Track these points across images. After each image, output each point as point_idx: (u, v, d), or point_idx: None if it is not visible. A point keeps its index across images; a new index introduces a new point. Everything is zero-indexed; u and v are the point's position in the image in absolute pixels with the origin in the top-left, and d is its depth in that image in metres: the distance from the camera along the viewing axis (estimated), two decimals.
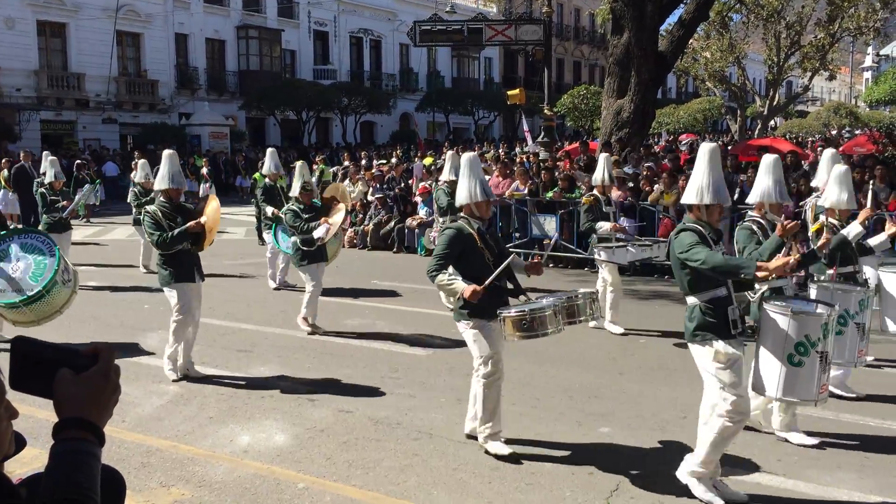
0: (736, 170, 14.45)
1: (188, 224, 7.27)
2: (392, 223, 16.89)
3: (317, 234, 9.30)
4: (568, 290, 6.11)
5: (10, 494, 1.47)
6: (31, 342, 1.52)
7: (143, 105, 36.90)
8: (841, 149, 26.85)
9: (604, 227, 9.43)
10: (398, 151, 31.03)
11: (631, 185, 13.88)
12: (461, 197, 5.74)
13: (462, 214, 5.81)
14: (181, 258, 7.36)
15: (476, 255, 5.62)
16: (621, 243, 9.49)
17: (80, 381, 1.47)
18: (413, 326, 9.71)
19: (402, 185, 18.77)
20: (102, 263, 14.53)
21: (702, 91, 46.01)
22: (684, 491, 5.05)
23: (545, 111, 23.14)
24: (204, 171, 25.72)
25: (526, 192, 14.79)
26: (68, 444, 1.44)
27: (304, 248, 9.36)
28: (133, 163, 18.16)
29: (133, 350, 8.54)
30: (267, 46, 41.98)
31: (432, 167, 19.35)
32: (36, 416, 5.12)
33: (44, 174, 12.61)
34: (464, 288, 5.39)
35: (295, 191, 9.69)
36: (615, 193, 13.73)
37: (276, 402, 6.89)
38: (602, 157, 10.20)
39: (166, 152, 7.72)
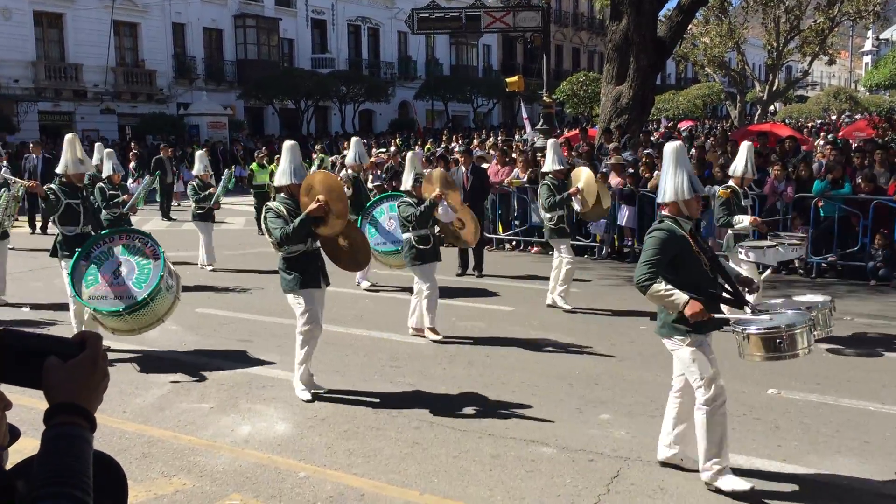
0: (735, 156, 14.39)
1: (310, 207, 6.38)
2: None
3: (441, 213, 8.49)
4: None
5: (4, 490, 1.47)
6: (16, 334, 1.51)
7: (141, 95, 36.82)
8: (841, 133, 26.81)
9: (742, 222, 8.40)
10: (397, 140, 30.99)
11: (631, 171, 13.86)
12: (667, 194, 4.94)
13: (667, 213, 4.99)
14: (306, 262, 6.65)
15: (692, 260, 4.86)
16: (771, 242, 8.40)
17: (69, 367, 1.48)
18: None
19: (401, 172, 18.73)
20: None
21: (701, 77, 45.85)
22: (684, 477, 5.06)
23: (544, 98, 23.09)
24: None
25: (525, 179, 14.76)
26: (60, 429, 1.45)
27: (420, 247, 8.50)
28: (186, 154, 18.02)
29: (133, 341, 8.53)
30: (265, 35, 41.84)
31: (431, 155, 19.31)
32: (38, 407, 5.12)
33: (98, 166, 11.98)
34: (686, 302, 4.65)
35: (407, 183, 8.68)
36: (614, 181, 13.72)
37: (277, 391, 6.90)
38: (744, 147, 9.02)
39: (287, 143, 6.89)
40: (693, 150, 15.92)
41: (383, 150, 23.96)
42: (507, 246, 15.32)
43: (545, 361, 7.77)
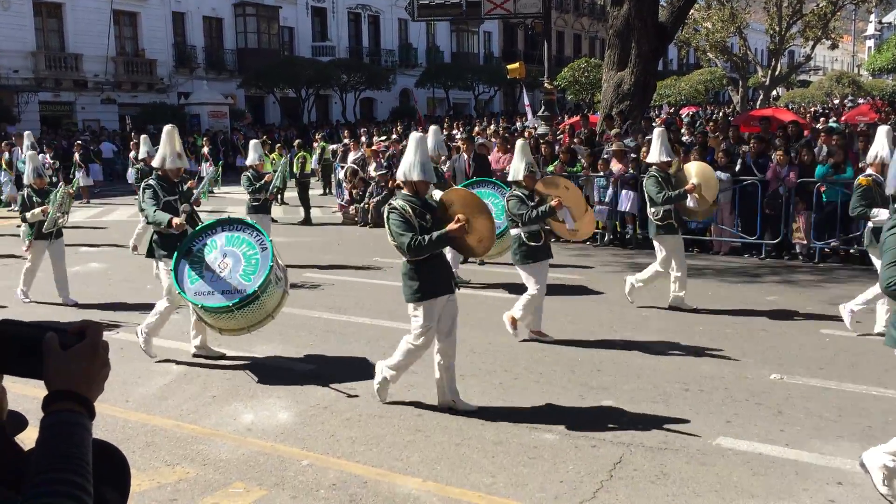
0: (738, 141, 14.36)
1: (450, 227, 5.73)
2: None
3: (566, 220, 7.81)
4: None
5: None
6: (14, 323, 1.51)
7: (141, 85, 36.77)
8: (843, 118, 26.74)
9: (879, 214, 7.48)
10: (398, 128, 30.91)
11: (633, 157, 13.82)
12: (890, 184, 4.47)
13: None
14: (436, 266, 5.94)
15: None
16: None
17: (69, 355, 1.48)
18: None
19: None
20: (99, 243, 14.55)
21: (703, 62, 45.62)
22: (687, 463, 5.06)
23: (545, 85, 23.01)
24: (205, 150, 25.66)
25: None
26: (59, 415, 1.45)
27: (531, 244, 7.77)
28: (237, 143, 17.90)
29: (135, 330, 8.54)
30: (265, 24, 41.74)
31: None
32: (41, 396, 5.13)
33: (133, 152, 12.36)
34: None
35: (519, 173, 7.90)
36: (616, 167, 13.68)
37: (279, 379, 6.91)
38: (882, 130, 8.14)
39: (415, 135, 6.28)
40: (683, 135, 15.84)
41: (384, 137, 23.89)
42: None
43: (547, 348, 7.76)
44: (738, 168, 12.76)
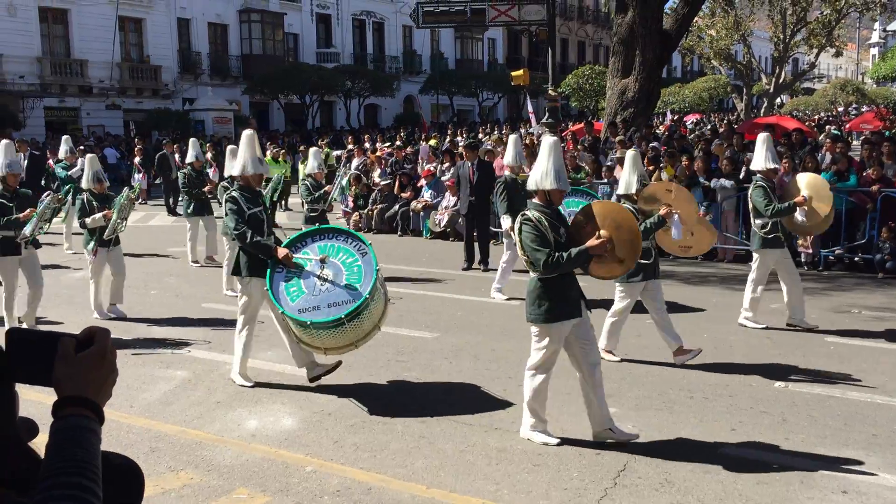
0: (742, 148, 14.37)
1: (591, 243, 5.29)
2: (397, 206, 16.86)
3: (673, 229, 7.01)
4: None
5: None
6: (24, 331, 1.52)
7: (146, 91, 36.88)
8: (848, 126, 26.71)
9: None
10: (402, 134, 30.96)
11: None
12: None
13: None
14: (568, 285, 5.44)
15: None
16: None
17: (78, 360, 1.50)
18: (419, 309, 9.71)
19: (409, 166, 18.71)
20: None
21: (707, 69, 45.72)
22: (691, 471, 5.05)
23: (549, 92, 23.01)
24: (209, 155, 25.69)
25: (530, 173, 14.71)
26: (68, 420, 1.47)
27: (641, 261, 7.13)
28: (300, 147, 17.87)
29: (140, 336, 8.55)
30: (270, 30, 41.85)
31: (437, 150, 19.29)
32: (49, 403, 5.14)
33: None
34: None
35: (631, 186, 7.29)
36: (620, 174, 13.68)
37: (284, 386, 6.91)
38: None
39: (548, 140, 5.75)
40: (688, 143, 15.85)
41: (388, 143, 23.93)
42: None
43: None
44: (742, 176, 12.75)
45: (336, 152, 24.17)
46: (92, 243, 9.05)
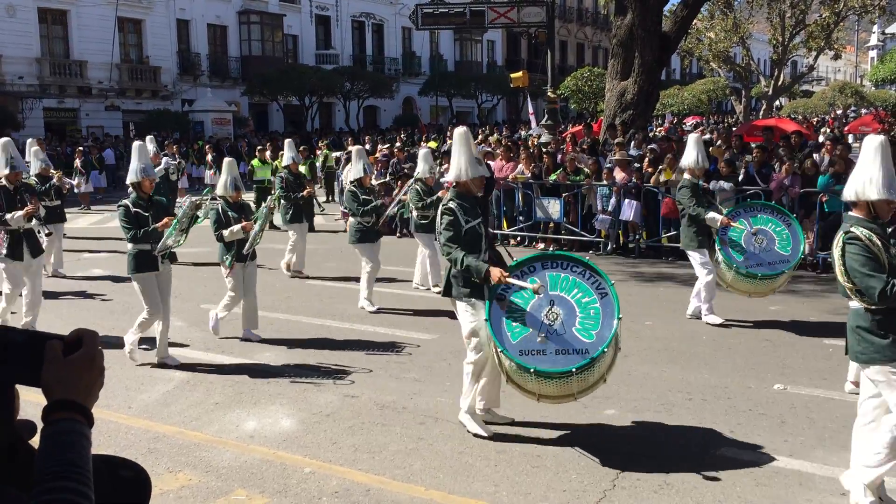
0: (741, 150, 14.38)
1: None
2: (395, 207, 16.81)
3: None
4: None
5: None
6: (13, 331, 1.52)
7: (145, 92, 36.86)
8: (847, 128, 26.74)
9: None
10: (401, 136, 30.96)
11: (636, 166, 13.83)
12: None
13: None
14: None
15: None
16: None
17: (67, 364, 1.50)
18: (418, 311, 9.71)
19: (407, 167, 18.69)
20: (98, 249, 14.57)
21: (706, 72, 45.79)
22: (690, 473, 5.05)
23: (549, 94, 23.03)
24: (208, 157, 25.69)
25: (529, 175, 14.74)
26: (59, 425, 1.47)
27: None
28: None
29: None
30: (269, 32, 41.83)
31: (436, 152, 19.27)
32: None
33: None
34: None
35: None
36: (619, 176, 13.69)
37: (282, 387, 6.91)
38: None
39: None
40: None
41: (387, 145, 23.92)
42: (512, 242, 15.31)
43: None
44: (741, 178, 12.76)
45: (336, 154, 24.16)
46: (228, 257, 8.21)
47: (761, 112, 36.18)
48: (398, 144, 23.67)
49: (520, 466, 5.21)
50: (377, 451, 5.50)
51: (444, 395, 6.63)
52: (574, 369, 5.16)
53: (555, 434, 5.73)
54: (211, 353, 7.93)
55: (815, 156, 13.46)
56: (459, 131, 5.88)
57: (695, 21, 26.51)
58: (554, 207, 14.30)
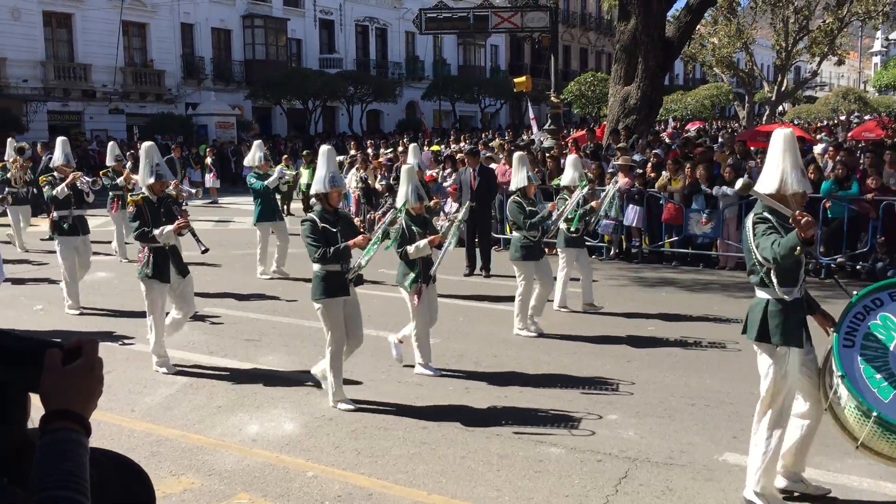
0: (744, 156, 14.37)
1: None
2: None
3: None
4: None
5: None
6: (12, 336, 1.53)
7: (149, 95, 36.93)
8: (850, 134, 26.72)
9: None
10: (405, 140, 30.99)
11: (639, 171, 13.83)
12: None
13: None
14: None
15: None
16: None
17: (65, 374, 1.51)
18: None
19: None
20: (105, 252, 14.60)
21: (709, 77, 45.76)
22: (693, 479, 5.05)
23: (552, 98, 23.06)
24: (208, 160, 25.71)
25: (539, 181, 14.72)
26: (57, 434, 1.48)
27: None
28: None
29: (141, 339, 8.55)
30: (273, 35, 41.92)
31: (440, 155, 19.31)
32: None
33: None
34: None
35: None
36: (622, 181, 13.70)
37: (285, 391, 6.91)
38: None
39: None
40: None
41: (390, 150, 23.94)
42: None
43: (553, 362, 7.76)
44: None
45: (339, 158, 24.19)
46: (410, 280, 7.26)
47: (765, 117, 36.18)
48: (400, 149, 23.69)
49: (522, 471, 5.20)
50: (380, 455, 5.50)
51: (447, 400, 6.63)
52: None
53: (558, 439, 5.73)
54: (214, 357, 7.93)
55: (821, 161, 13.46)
56: (784, 134, 4.63)
57: (698, 26, 26.52)
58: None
